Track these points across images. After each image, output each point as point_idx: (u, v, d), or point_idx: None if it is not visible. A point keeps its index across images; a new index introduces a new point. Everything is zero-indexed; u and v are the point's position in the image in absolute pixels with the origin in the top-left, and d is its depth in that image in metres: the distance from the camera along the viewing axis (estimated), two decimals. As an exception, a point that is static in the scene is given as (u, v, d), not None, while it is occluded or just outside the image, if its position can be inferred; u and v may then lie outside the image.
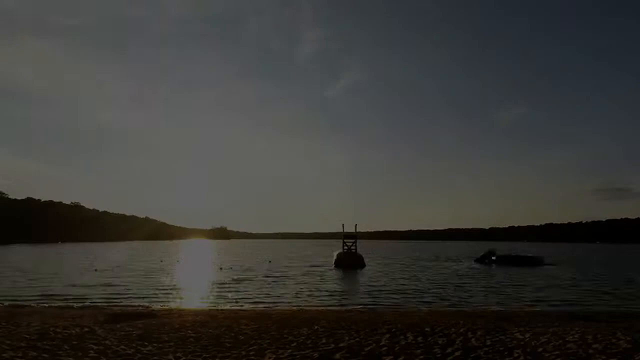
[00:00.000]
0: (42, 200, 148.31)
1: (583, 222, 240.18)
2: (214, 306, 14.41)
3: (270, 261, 41.16)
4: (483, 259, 40.06)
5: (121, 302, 15.07)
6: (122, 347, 6.93)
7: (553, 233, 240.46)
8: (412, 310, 13.30)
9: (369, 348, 7.00)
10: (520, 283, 22.17)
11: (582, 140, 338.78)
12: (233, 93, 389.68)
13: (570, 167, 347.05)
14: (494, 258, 39.09)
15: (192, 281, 22.59)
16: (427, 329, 8.72)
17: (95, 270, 28.12)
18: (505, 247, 67.19)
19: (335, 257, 35.08)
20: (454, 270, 31.06)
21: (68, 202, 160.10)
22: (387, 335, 8.02)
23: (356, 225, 36.60)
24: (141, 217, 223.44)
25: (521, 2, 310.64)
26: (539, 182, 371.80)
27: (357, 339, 7.68)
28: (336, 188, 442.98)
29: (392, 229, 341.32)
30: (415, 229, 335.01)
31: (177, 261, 40.27)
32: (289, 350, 6.78)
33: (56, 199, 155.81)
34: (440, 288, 19.92)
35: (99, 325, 9.03)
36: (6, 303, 14.37)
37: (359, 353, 6.65)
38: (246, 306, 14.36)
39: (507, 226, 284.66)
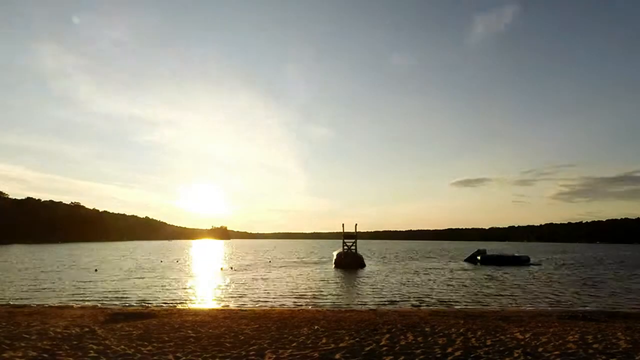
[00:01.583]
0: (42, 200, 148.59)
1: (583, 222, 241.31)
2: (214, 306, 14.42)
3: (270, 261, 41.20)
4: (472, 258, 42.02)
5: (121, 302, 15.08)
6: (122, 347, 6.92)
7: (553, 233, 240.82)
8: (412, 310, 13.30)
9: (369, 348, 6.99)
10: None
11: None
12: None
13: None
14: (483, 257, 40.74)
15: (191, 281, 22.57)
16: (427, 329, 8.72)
17: (96, 270, 28.13)
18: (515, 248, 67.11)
19: (335, 257, 35.07)
20: (447, 269, 31.07)
21: (68, 202, 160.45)
22: (387, 335, 8.02)
23: (356, 225, 36.65)
24: (141, 217, 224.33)
25: None
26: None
27: (357, 339, 7.68)
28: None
29: (392, 229, 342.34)
30: (415, 229, 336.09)
31: (177, 261, 40.27)
32: (289, 350, 6.77)
33: (56, 199, 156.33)
34: (437, 287, 19.92)
35: (99, 325, 9.02)
36: (6, 303, 14.37)
37: (359, 353, 6.64)
38: (246, 306, 14.36)
39: (507, 226, 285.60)
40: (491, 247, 58.36)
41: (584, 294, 18.50)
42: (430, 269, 32.51)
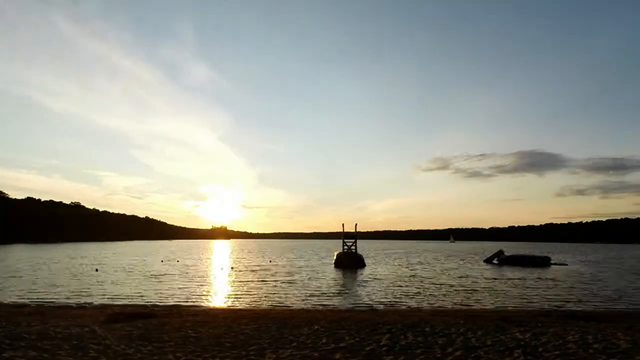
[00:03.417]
0: (42, 200, 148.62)
1: (583, 222, 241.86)
2: (214, 306, 14.42)
3: (270, 261, 41.22)
4: (491, 259, 40.43)
5: (121, 302, 15.07)
6: (122, 347, 6.93)
7: (553, 233, 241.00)
8: (412, 310, 13.29)
9: (369, 348, 6.99)
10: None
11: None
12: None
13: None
14: (503, 257, 39.34)
15: (191, 281, 22.56)
16: (427, 329, 8.72)
17: (96, 270, 28.13)
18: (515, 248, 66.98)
19: (335, 257, 35.05)
20: (458, 270, 31.06)
21: (68, 202, 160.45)
22: (387, 335, 8.02)
23: (356, 225, 36.58)
24: (141, 217, 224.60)
25: None
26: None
27: (357, 339, 7.68)
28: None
29: (392, 229, 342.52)
30: (415, 229, 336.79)
31: (177, 261, 40.26)
32: (289, 350, 6.77)
33: (56, 199, 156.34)
34: (442, 288, 19.92)
35: (99, 325, 9.03)
36: (6, 303, 14.36)
37: (359, 353, 6.65)
38: (246, 306, 14.36)
39: (507, 226, 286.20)
40: (487, 247, 57.66)
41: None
42: (430, 268, 32.50)
